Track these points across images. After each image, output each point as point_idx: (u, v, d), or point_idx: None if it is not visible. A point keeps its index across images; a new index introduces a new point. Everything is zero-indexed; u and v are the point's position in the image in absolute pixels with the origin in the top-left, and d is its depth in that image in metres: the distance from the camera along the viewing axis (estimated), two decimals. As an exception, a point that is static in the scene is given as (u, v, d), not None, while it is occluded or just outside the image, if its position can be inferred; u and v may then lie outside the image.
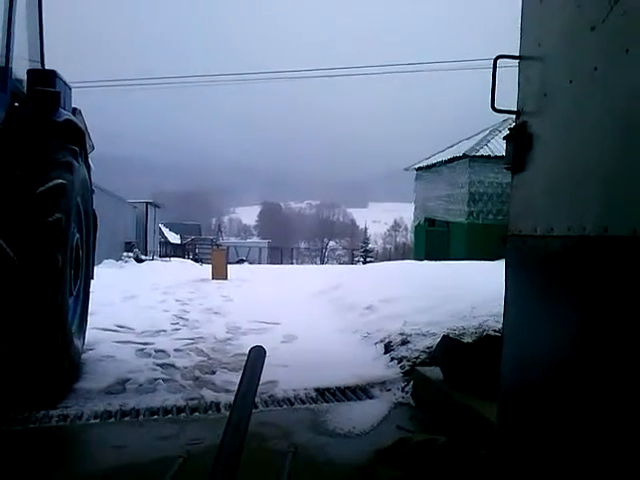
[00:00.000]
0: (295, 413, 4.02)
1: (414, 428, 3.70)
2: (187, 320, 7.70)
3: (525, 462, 2.33)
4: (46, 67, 4.99)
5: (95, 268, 5.66)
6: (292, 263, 42.30)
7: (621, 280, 1.65)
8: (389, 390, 4.51)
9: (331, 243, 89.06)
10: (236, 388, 1.62)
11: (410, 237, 43.57)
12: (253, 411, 1.60)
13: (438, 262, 12.82)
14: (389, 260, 25.75)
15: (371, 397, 4.38)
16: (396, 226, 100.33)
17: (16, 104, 4.10)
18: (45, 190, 3.80)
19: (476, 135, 23.61)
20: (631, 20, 1.65)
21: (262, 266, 28.66)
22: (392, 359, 5.15)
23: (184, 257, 33.09)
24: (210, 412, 3.97)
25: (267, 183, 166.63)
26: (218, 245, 33.77)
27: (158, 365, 5.06)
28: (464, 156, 21.38)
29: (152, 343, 5.91)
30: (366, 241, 60.06)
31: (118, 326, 6.62)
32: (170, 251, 36.83)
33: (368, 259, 48.57)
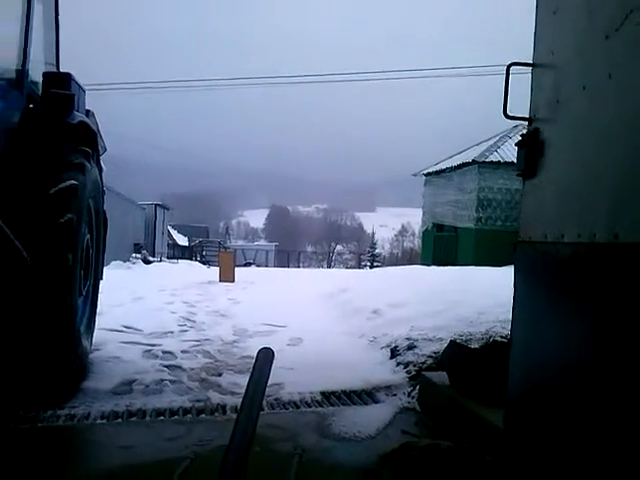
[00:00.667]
0: (301, 416, 4.02)
1: (420, 433, 3.70)
2: (194, 322, 7.71)
3: (531, 468, 2.32)
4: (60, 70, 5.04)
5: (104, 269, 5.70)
6: (299, 266, 42.29)
7: (631, 287, 1.65)
8: (395, 395, 4.51)
9: (338, 247, 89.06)
10: (243, 390, 1.63)
11: (417, 242, 43.55)
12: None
13: (445, 267, 12.78)
14: (396, 265, 25.71)
15: (377, 401, 4.38)
16: (403, 231, 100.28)
17: (31, 106, 4.15)
18: (57, 191, 3.83)
19: (486, 141, 23.57)
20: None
21: (269, 269, 28.68)
22: (398, 364, 5.15)
23: (192, 259, 33.18)
24: (217, 414, 3.98)
25: (276, 187, 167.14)
26: (226, 248, 33.84)
27: (165, 366, 5.07)
28: (473, 162, 21.33)
29: (159, 344, 5.92)
30: (373, 246, 60.01)
31: (125, 327, 6.64)
32: (178, 253, 36.94)
33: (375, 264, 48.57)
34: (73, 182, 3.94)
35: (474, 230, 21.41)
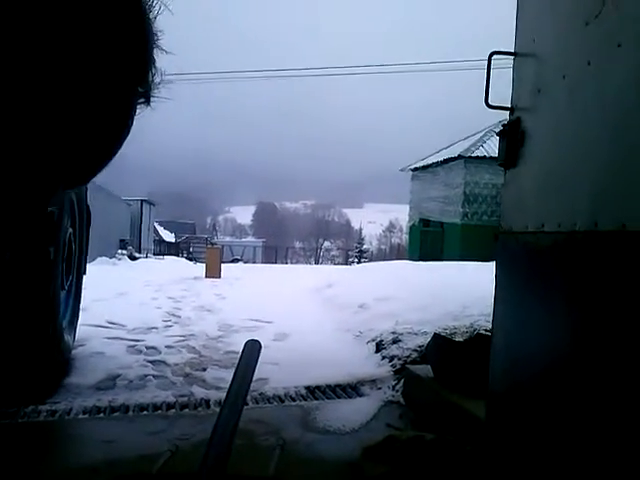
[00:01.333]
0: (285, 410, 4.00)
1: (404, 426, 3.70)
2: (179, 317, 7.67)
3: (511, 458, 2.33)
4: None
5: (88, 265, 5.63)
6: (286, 263, 42.27)
7: (611, 275, 1.65)
8: (379, 388, 4.51)
9: (326, 243, 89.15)
10: (227, 385, 1.61)
11: (405, 238, 43.63)
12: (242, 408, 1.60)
13: (432, 262, 12.83)
14: (384, 261, 25.77)
15: (361, 395, 4.37)
16: (391, 227, 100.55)
17: None
18: None
19: (472, 136, 23.66)
20: (624, 15, 1.65)
21: (256, 265, 28.62)
22: (383, 357, 5.15)
23: (178, 256, 33.00)
24: (200, 409, 3.95)
25: (262, 183, 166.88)
26: (212, 244, 33.72)
27: (149, 362, 5.03)
28: (459, 157, 21.43)
29: (143, 340, 5.88)
30: (361, 241, 60.03)
31: (109, 322, 6.58)
32: (164, 249, 36.73)
33: (363, 260, 48.56)
34: None
35: (460, 225, 21.51)
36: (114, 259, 19.17)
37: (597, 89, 1.78)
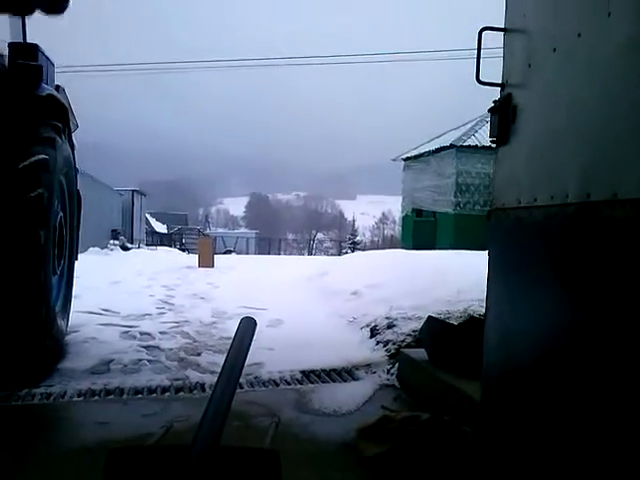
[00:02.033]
0: (280, 393, 4.02)
1: (399, 408, 3.71)
2: (173, 305, 7.66)
3: (507, 437, 2.35)
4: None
5: (80, 255, 5.61)
6: (280, 254, 42.19)
7: (604, 244, 1.66)
8: (374, 372, 4.53)
9: (319, 235, 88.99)
10: (219, 374, 1.61)
11: (397, 229, 43.69)
12: (238, 391, 1.61)
13: (425, 251, 12.84)
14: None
15: (356, 379, 4.40)
16: (384, 218, 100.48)
17: None
18: (27, 165, 3.73)
19: (463, 125, 23.62)
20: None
21: (250, 256, 28.57)
22: (378, 342, 5.17)
23: (171, 246, 32.91)
24: (195, 392, 3.98)
25: (255, 174, 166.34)
26: (205, 234, 33.62)
27: (143, 347, 5.03)
28: (451, 146, 21.40)
29: (137, 326, 5.87)
30: (354, 233, 60.00)
31: (103, 309, 6.56)
32: (157, 240, 36.58)
33: (356, 251, 48.55)
34: (43, 156, 3.84)
35: (452, 215, 21.54)
36: (106, 249, 19.11)
37: (588, 60, 1.78)
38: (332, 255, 46.95)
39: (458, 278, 6.65)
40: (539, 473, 2.02)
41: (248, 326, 1.90)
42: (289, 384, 4.25)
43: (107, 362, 4.49)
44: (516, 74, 2.30)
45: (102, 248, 18.76)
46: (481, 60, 2.40)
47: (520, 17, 2.26)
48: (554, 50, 1.97)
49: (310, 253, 62.10)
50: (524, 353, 2.21)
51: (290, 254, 48.88)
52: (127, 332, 5.58)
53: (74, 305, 5.36)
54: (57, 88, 4.86)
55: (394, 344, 4.95)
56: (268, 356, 4.73)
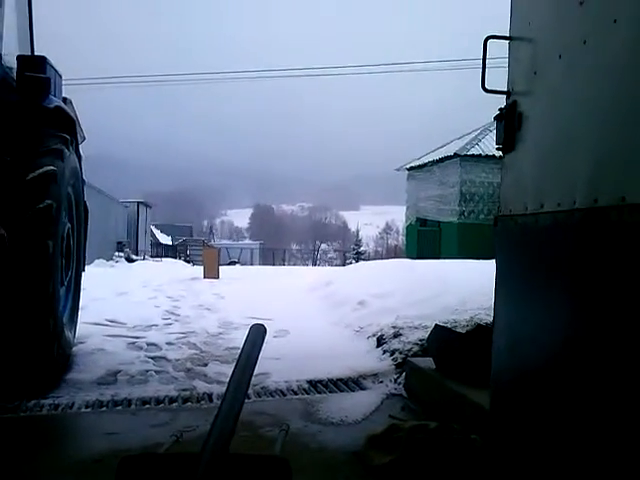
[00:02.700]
0: (287, 403, 4.02)
1: (406, 417, 3.70)
2: (179, 316, 7.67)
3: (516, 445, 2.34)
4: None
5: (86, 266, 5.63)
6: (284, 265, 42.19)
7: (612, 250, 1.66)
8: (381, 382, 4.51)
9: (323, 245, 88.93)
10: (228, 379, 1.62)
11: (401, 239, 43.64)
12: (245, 401, 1.61)
13: (430, 260, 12.82)
14: (381, 262, 25.73)
15: (363, 388, 4.39)
16: (387, 229, 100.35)
17: (5, 90, 4.06)
18: (36, 177, 3.76)
19: (467, 134, 23.62)
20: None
21: (254, 267, 28.57)
22: (384, 352, 5.16)
23: (176, 258, 32.97)
24: (202, 402, 3.97)
25: (259, 186, 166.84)
26: (210, 245, 33.65)
27: (150, 357, 5.03)
28: (455, 155, 21.38)
29: (144, 337, 5.88)
30: (358, 243, 59.96)
31: (109, 321, 6.57)
32: (161, 252, 36.67)
33: (360, 261, 48.47)
34: (51, 168, 3.87)
35: (457, 224, 21.49)
36: (111, 261, 19.16)
37: (593, 66, 1.79)
38: (336, 265, 46.93)
39: (463, 287, 6.64)
40: (550, 480, 2.01)
41: (258, 333, 1.90)
42: (296, 394, 4.25)
43: (114, 373, 4.49)
44: (521, 81, 2.31)
45: (107, 260, 18.81)
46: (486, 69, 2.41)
47: (525, 25, 2.28)
48: (559, 57, 1.99)
49: (314, 264, 62.02)
50: (533, 360, 2.20)
51: (294, 265, 48.83)
52: (134, 343, 5.58)
53: (81, 316, 5.37)
54: (65, 100, 4.91)
55: (401, 353, 4.94)
56: (274, 366, 4.72)
